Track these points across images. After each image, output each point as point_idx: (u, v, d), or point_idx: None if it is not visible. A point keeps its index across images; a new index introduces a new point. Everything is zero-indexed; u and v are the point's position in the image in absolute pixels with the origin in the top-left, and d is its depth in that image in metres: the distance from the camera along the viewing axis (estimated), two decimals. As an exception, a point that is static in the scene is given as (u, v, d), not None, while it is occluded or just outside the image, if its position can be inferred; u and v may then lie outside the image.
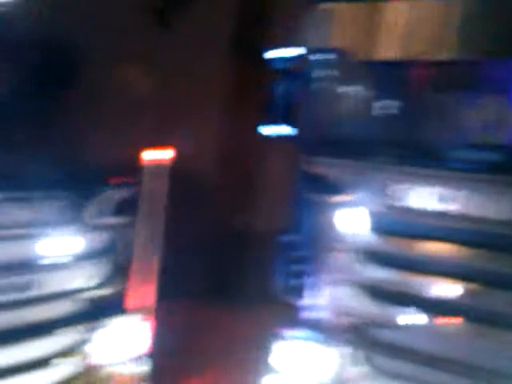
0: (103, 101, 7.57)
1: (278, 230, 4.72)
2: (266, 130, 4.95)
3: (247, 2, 9.10)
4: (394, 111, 4.47)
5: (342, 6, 4.41)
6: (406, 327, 4.11)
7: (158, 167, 4.13)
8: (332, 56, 4.43)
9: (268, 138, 6.17)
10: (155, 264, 4.21)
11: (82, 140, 4.91)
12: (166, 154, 4.17)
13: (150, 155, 4.11)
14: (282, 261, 4.46)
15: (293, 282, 4.40)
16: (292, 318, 4.36)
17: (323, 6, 4.45)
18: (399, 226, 4.19)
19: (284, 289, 4.43)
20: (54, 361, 3.64)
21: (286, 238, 4.50)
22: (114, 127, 7.42)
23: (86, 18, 4.74)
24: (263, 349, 4.30)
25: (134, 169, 4.16)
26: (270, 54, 5.09)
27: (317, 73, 4.53)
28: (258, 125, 8.47)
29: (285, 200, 4.95)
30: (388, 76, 4.43)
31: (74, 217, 3.71)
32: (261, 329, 4.54)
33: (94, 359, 3.83)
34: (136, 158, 4.12)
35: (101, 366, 3.83)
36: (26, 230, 3.52)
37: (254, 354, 4.40)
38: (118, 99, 7.70)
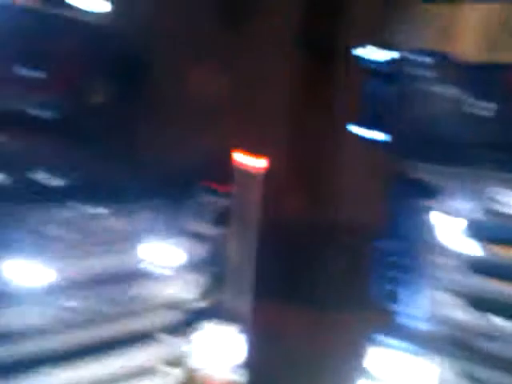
0: (187, 106, 7.67)
1: (371, 234, 4.61)
2: (358, 132, 4.80)
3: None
4: (494, 114, 4.30)
5: (443, 7, 4.25)
6: (508, 338, 3.95)
7: (251, 175, 4.05)
8: (432, 57, 4.27)
9: (346, 139, 6.09)
10: (250, 272, 4.15)
11: (177, 147, 4.94)
12: (259, 162, 4.08)
13: (243, 161, 4.03)
14: (378, 266, 4.34)
15: (389, 288, 4.28)
16: (388, 325, 4.25)
17: (423, 6, 4.30)
18: (502, 234, 4.02)
19: (380, 295, 4.31)
20: (155, 370, 3.61)
21: (382, 244, 4.38)
22: (203, 133, 7.49)
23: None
24: (357, 356, 4.20)
25: (227, 175, 4.09)
26: (358, 53, 4.93)
27: (415, 74, 4.37)
28: (329, 123, 8.50)
29: (374, 204, 4.82)
30: (487, 78, 4.26)
31: (172, 227, 3.67)
32: (354, 335, 4.44)
33: (193, 368, 3.79)
34: (229, 164, 4.06)
35: (199, 375, 3.78)
36: (127, 242, 3.47)
37: (348, 360, 4.30)
38: (197, 103, 7.78)
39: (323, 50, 8.67)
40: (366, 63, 4.80)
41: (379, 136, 4.61)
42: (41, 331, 3.18)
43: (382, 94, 4.57)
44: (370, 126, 4.66)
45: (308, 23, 8.67)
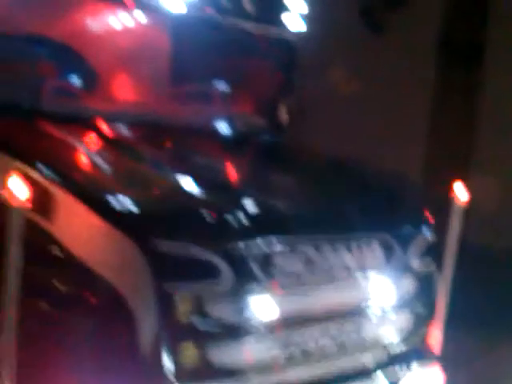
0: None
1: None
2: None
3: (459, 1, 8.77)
4: None
5: None
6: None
7: (461, 205, 3.92)
8: None
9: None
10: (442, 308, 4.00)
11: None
12: (463, 193, 3.93)
13: (458, 193, 3.89)
14: None
15: None
16: None
17: None
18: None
19: None
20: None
21: None
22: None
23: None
24: None
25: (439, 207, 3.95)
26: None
27: None
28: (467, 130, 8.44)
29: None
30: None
31: (394, 262, 3.60)
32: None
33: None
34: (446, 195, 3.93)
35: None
36: (352, 278, 3.42)
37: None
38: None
39: (457, 53, 8.70)
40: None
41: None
42: (266, 367, 3.16)
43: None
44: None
45: (453, 24, 8.82)
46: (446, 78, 8.96)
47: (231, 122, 4.63)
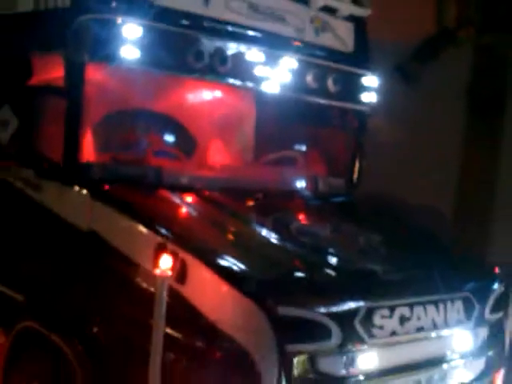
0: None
1: None
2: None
3: (484, 56, 9.37)
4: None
5: None
6: None
7: None
8: None
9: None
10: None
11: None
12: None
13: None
14: None
15: None
16: None
17: None
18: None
19: None
20: None
21: None
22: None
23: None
24: None
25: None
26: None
27: None
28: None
29: None
30: None
31: (474, 316, 3.97)
32: None
33: None
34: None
35: None
36: (436, 331, 3.78)
37: None
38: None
39: (483, 104, 9.25)
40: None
41: None
42: None
43: None
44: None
45: (478, 77, 9.36)
46: (472, 125, 9.52)
47: (314, 183, 4.95)
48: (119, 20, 3.83)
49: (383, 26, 6.79)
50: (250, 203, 4.37)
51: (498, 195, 9.27)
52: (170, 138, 4.93)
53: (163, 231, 3.57)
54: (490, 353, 4.15)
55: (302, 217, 4.52)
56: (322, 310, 3.34)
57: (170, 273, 3.13)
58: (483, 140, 9.34)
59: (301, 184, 4.98)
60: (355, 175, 5.27)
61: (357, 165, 5.25)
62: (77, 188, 3.96)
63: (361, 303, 3.46)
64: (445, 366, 3.88)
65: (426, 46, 9.63)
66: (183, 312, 3.33)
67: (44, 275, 4.00)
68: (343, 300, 3.45)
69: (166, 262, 3.11)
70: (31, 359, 3.82)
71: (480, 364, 4.09)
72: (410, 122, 9.45)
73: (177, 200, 4.07)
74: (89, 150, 4.17)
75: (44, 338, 3.64)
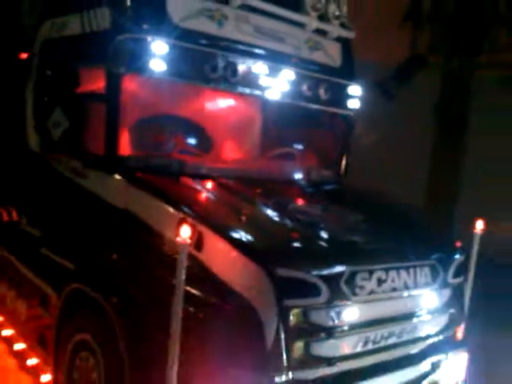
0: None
1: None
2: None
3: (451, 79, 9.80)
4: None
5: None
6: None
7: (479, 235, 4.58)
8: None
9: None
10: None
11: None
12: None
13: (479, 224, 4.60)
14: None
15: None
16: None
17: None
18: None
19: None
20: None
21: None
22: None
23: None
24: None
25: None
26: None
27: None
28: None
29: None
30: None
31: (438, 279, 4.08)
32: None
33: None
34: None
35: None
36: (407, 291, 3.88)
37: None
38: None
39: (449, 120, 9.62)
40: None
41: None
42: (350, 356, 3.62)
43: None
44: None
45: (445, 96, 9.78)
46: (439, 139, 9.93)
47: (309, 174, 5.01)
48: (150, 39, 4.12)
49: (367, 48, 6.87)
50: (257, 189, 4.42)
51: (460, 196, 9.56)
52: (191, 139, 5.02)
53: (184, 209, 3.74)
54: (452, 310, 4.38)
55: (298, 200, 4.62)
56: (314, 272, 3.60)
57: (189, 241, 3.19)
58: (448, 152, 9.90)
59: (298, 174, 5.27)
60: (342, 167, 5.38)
61: (343, 159, 5.38)
62: (116, 176, 4.25)
63: (345, 267, 3.73)
64: (415, 320, 4.10)
65: (401, 68, 9.73)
66: (200, 273, 3.44)
67: (90, 246, 4.29)
68: (331, 264, 3.71)
69: (186, 233, 3.21)
70: (80, 315, 4.07)
71: (444, 319, 4.35)
72: (388, 129, 9.57)
73: (196, 186, 4.34)
74: (125, 147, 4.37)
75: (89, 297, 3.88)
